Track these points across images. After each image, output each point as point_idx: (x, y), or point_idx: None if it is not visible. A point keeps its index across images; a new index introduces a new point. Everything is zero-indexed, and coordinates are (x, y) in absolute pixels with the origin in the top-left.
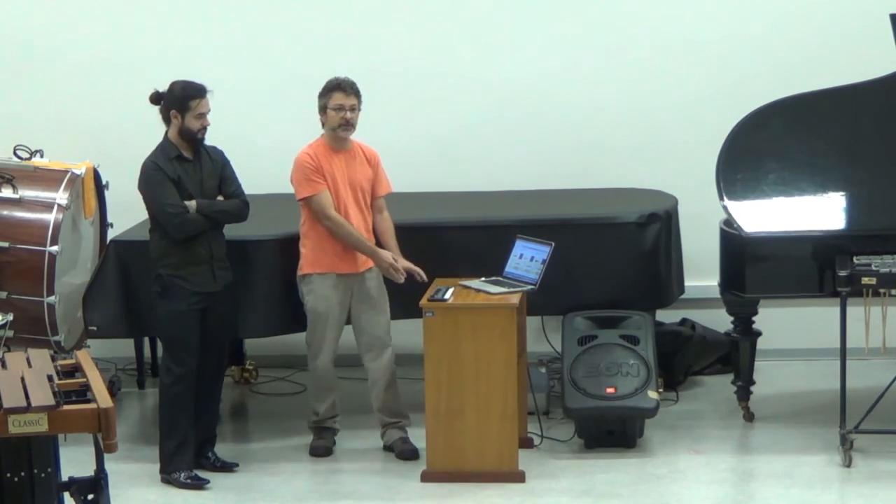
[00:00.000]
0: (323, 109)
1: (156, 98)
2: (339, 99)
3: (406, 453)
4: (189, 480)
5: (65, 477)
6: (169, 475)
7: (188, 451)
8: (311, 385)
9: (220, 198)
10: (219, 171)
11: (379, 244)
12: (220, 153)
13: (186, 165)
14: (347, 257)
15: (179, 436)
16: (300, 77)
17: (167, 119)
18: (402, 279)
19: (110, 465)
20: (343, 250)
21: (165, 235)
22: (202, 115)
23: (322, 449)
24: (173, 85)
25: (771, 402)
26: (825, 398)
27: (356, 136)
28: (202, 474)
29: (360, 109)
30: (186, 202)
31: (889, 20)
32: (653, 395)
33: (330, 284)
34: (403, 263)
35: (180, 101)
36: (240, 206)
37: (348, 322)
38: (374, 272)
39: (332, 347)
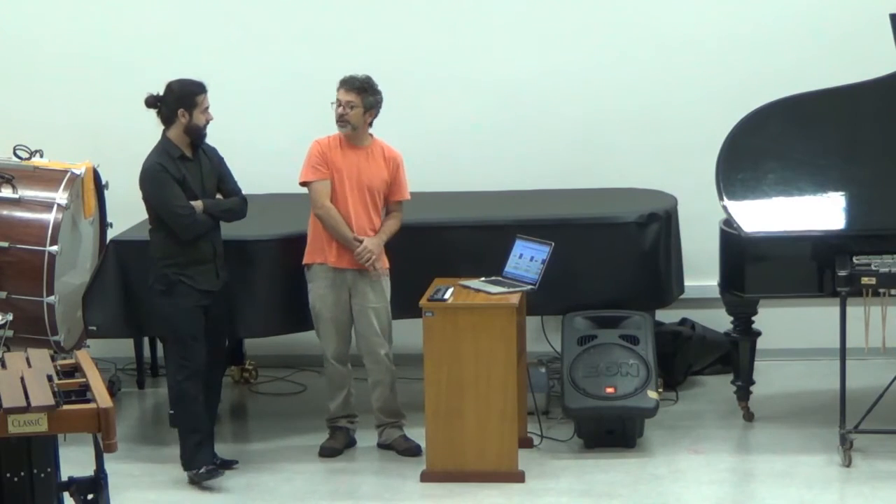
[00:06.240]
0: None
1: (152, 102)
2: (338, 94)
3: (410, 450)
4: (209, 473)
5: (64, 477)
6: (193, 471)
7: (210, 444)
8: (326, 381)
9: (218, 196)
10: (216, 170)
11: None
12: (215, 151)
13: (189, 165)
14: (343, 251)
15: (201, 429)
16: (301, 77)
17: (170, 119)
18: (368, 265)
19: (110, 465)
20: (340, 243)
21: (170, 235)
22: (207, 110)
23: (328, 450)
24: (171, 84)
25: (771, 402)
26: (825, 398)
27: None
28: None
29: (364, 107)
30: (192, 202)
31: (889, 20)
32: (652, 395)
33: (327, 279)
34: (369, 243)
35: (188, 97)
36: (241, 203)
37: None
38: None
39: (335, 346)
